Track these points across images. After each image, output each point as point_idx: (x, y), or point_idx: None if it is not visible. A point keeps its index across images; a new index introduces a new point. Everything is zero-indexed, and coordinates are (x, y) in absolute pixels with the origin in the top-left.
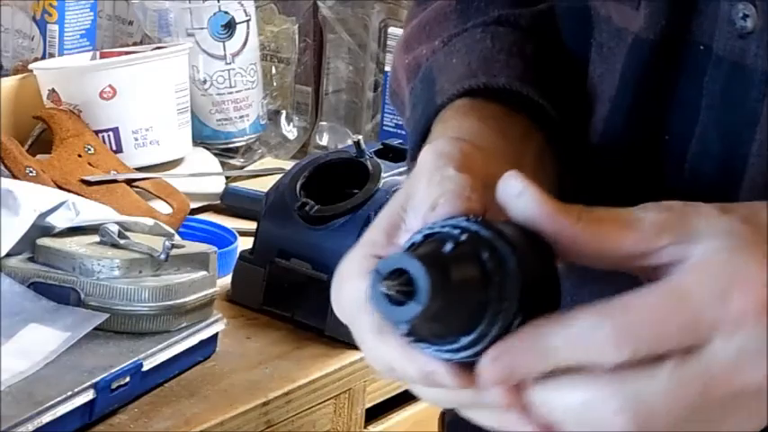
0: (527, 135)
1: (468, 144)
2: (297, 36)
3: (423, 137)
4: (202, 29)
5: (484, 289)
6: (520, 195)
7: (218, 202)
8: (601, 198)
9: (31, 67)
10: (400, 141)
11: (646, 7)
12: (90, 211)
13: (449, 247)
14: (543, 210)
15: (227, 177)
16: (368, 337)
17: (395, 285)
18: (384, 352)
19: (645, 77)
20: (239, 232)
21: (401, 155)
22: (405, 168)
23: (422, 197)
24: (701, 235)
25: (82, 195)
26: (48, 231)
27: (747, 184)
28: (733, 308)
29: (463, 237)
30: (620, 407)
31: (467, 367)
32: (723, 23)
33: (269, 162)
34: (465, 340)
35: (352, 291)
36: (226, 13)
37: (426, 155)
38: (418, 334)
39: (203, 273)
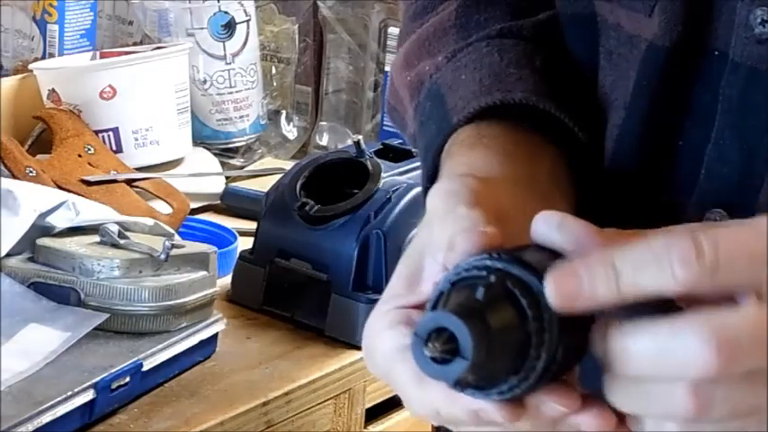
0: (538, 153)
1: (475, 179)
2: (297, 36)
3: (438, 156)
4: (202, 29)
5: (522, 326)
6: (560, 229)
7: (218, 202)
8: (616, 205)
9: (31, 67)
10: (400, 141)
11: (660, 14)
12: (90, 211)
13: (480, 292)
14: (586, 237)
15: (227, 177)
16: (408, 387)
17: (438, 346)
18: (428, 399)
19: (660, 84)
20: (239, 232)
21: (401, 155)
22: (405, 168)
23: (437, 240)
24: None
25: (82, 195)
26: (48, 231)
27: (767, 187)
28: None
29: (492, 278)
30: (707, 338)
31: (514, 400)
32: (740, 29)
33: (269, 162)
34: (513, 380)
35: (383, 344)
36: (226, 13)
37: (435, 198)
38: (466, 384)
39: (203, 273)
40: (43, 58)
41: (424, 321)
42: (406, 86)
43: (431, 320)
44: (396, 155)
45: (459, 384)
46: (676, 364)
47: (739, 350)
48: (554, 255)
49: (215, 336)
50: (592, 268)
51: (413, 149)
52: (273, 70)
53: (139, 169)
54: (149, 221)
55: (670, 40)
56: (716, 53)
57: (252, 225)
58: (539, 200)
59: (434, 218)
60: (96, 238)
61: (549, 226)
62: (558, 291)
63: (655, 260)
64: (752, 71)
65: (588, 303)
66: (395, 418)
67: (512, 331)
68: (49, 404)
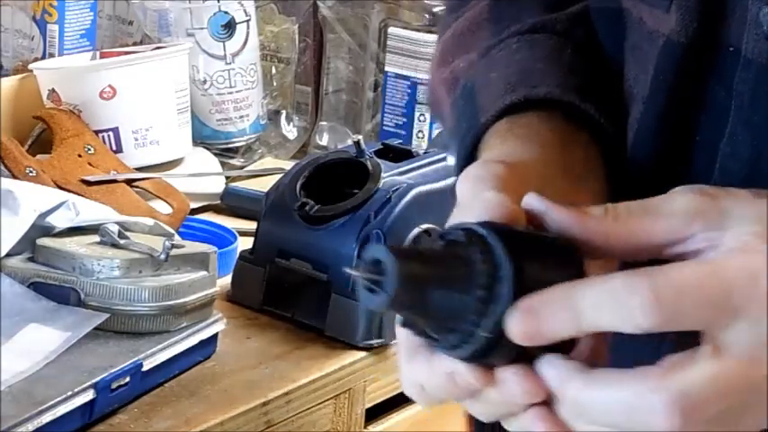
0: (571, 139)
1: (502, 164)
2: (297, 36)
3: (470, 154)
4: (202, 29)
5: (468, 286)
6: (545, 212)
7: (219, 202)
8: (634, 197)
9: (31, 67)
10: (400, 141)
11: (676, 10)
12: (90, 211)
13: (439, 243)
14: (569, 216)
15: (227, 177)
16: (401, 365)
17: (367, 273)
18: (413, 371)
19: (676, 80)
20: (239, 232)
21: (401, 155)
22: (405, 168)
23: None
24: (732, 219)
25: (82, 195)
26: (48, 231)
27: None
28: (763, 291)
29: (460, 237)
30: (667, 402)
31: (484, 365)
32: (751, 26)
33: (269, 162)
34: (459, 335)
35: (399, 337)
36: (226, 13)
37: (463, 183)
38: (417, 329)
39: (203, 273)
40: (43, 58)
41: (369, 250)
42: (442, 84)
43: (373, 250)
44: (396, 155)
45: (408, 325)
46: (639, 421)
47: (698, 409)
48: (550, 241)
49: (215, 336)
50: (553, 308)
51: (413, 149)
52: (273, 70)
53: (139, 169)
54: (149, 221)
55: (686, 36)
56: (731, 49)
57: (252, 225)
58: (571, 182)
59: (463, 203)
60: (96, 238)
61: (535, 209)
62: (519, 329)
63: (614, 305)
64: (762, 67)
65: (549, 340)
66: (395, 418)
67: (454, 287)
68: (49, 404)
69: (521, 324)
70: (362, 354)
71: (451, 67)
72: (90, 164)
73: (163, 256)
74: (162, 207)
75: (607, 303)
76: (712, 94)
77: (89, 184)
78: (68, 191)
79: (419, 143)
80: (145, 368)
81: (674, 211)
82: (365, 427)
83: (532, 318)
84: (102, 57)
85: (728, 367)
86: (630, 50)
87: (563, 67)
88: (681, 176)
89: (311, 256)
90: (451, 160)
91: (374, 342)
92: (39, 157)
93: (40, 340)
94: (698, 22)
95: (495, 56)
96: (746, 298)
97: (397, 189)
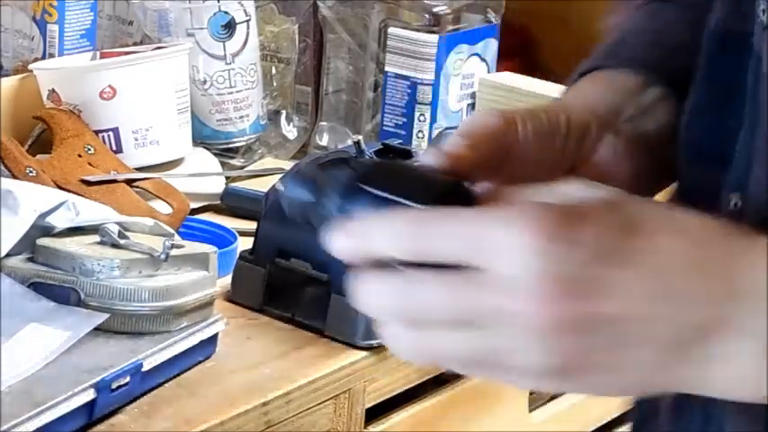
0: (641, 89)
1: (492, 113)
2: (297, 36)
3: None
4: (202, 29)
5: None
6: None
7: (219, 202)
8: (676, 173)
9: (31, 67)
10: (400, 141)
11: None
12: (90, 211)
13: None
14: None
15: (227, 177)
16: None
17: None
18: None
19: (716, 63)
20: (239, 232)
21: (401, 155)
22: None
23: None
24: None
25: (82, 195)
26: (48, 231)
27: (756, 174)
28: (510, 238)
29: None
30: (397, 296)
31: None
32: (757, 17)
33: (269, 162)
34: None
35: None
36: (226, 13)
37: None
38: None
39: (203, 273)
40: (43, 58)
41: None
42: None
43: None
44: (396, 155)
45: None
46: (379, 312)
47: (426, 317)
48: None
49: (215, 336)
50: (350, 231)
51: (413, 149)
52: (273, 70)
53: (139, 169)
54: (149, 221)
55: (719, 21)
56: (752, 38)
57: (252, 225)
58: (598, 131)
59: None
60: (96, 238)
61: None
62: (331, 244)
63: (390, 236)
64: (759, 58)
65: (356, 258)
66: (395, 419)
67: (320, 201)
68: (49, 404)
69: (332, 240)
70: (362, 354)
71: (623, 14)
72: (90, 164)
73: (163, 256)
74: (162, 207)
75: (386, 234)
76: (739, 81)
77: (89, 184)
78: (68, 191)
79: (419, 143)
80: (145, 368)
81: (551, 196)
82: (365, 427)
83: (337, 237)
84: (102, 57)
85: (456, 281)
86: (706, 27)
87: (659, 40)
88: (714, 160)
89: (311, 256)
90: None
91: (374, 342)
92: (39, 157)
93: (40, 340)
94: (727, 9)
95: (633, 17)
96: (495, 243)
97: None
